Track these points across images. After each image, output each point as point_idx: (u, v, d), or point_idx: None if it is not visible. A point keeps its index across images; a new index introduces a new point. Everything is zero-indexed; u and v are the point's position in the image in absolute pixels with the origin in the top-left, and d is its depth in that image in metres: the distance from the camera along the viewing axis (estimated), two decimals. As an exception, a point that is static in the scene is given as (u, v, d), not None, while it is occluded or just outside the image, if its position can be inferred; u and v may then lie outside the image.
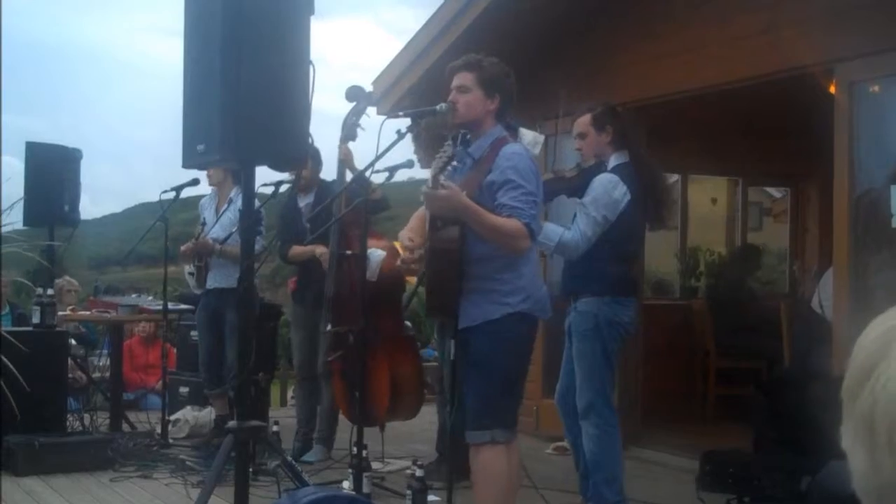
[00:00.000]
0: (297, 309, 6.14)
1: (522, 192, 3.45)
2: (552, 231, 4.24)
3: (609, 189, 4.23)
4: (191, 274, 6.31)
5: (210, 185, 6.32)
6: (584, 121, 4.47)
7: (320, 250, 5.76)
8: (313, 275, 5.76)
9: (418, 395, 5.20)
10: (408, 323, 5.46)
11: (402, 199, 6.38)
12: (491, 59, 3.67)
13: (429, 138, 4.91)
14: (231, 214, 5.98)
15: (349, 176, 5.27)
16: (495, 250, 3.51)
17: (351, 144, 5.05)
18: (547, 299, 3.70)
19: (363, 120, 4.91)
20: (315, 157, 5.85)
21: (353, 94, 4.84)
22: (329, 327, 5.47)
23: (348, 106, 4.84)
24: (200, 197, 6.52)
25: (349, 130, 4.92)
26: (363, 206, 4.28)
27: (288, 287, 7.20)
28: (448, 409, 4.46)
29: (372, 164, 3.96)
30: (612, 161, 4.39)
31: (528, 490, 4.42)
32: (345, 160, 5.13)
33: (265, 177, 5.17)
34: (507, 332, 3.54)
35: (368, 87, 7.24)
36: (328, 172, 5.93)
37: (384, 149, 3.75)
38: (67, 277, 8.99)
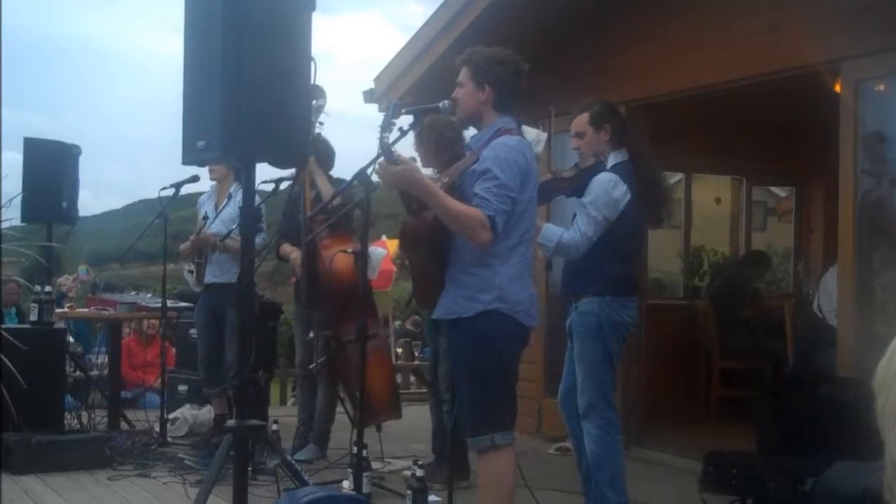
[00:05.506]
0: (298, 306, 6.11)
1: (496, 183, 3.34)
2: (552, 232, 4.19)
3: (609, 188, 4.17)
4: (190, 272, 6.26)
5: (211, 179, 6.27)
6: (581, 120, 4.40)
7: (294, 255, 5.72)
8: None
9: (390, 396, 5.23)
10: (417, 317, 5.53)
11: (403, 197, 6.33)
12: (482, 49, 3.58)
13: (431, 139, 4.86)
14: (231, 209, 5.92)
15: (325, 186, 5.32)
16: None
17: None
18: (533, 306, 3.53)
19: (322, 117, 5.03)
20: (325, 154, 5.78)
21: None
22: (311, 334, 5.50)
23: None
24: (200, 194, 6.47)
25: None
26: (366, 205, 4.24)
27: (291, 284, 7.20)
28: (448, 407, 4.43)
29: (374, 161, 3.92)
30: (611, 160, 4.33)
31: (527, 490, 4.38)
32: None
33: (267, 173, 5.20)
34: (483, 332, 3.41)
35: (371, 84, 7.25)
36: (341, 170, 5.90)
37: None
38: (67, 276, 8.99)
